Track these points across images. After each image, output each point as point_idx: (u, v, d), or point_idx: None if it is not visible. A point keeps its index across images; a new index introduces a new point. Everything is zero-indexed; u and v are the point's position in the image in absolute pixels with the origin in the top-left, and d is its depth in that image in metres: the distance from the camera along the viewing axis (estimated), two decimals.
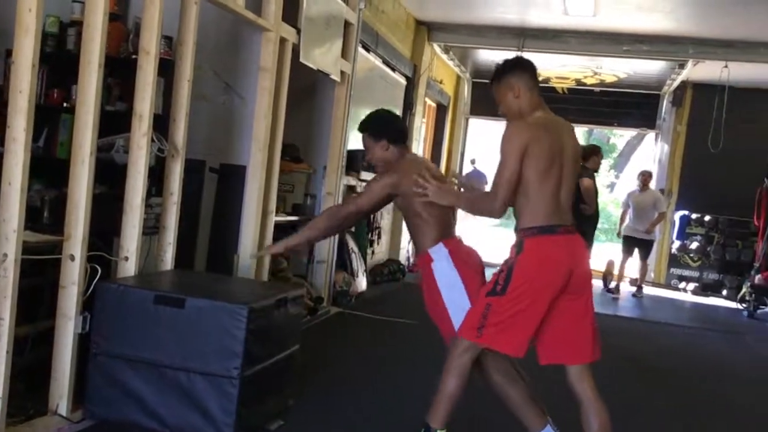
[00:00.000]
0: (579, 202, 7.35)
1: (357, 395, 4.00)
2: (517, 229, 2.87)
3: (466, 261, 3.11)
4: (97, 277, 3.15)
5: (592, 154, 7.72)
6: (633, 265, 9.63)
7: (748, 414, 4.64)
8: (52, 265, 3.15)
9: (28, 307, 3.14)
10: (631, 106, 11.79)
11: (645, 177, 9.62)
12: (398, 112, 8.51)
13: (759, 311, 8.85)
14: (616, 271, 9.55)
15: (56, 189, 3.62)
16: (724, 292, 10.43)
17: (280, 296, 3.39)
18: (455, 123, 12.13)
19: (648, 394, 4.72)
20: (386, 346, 5.37)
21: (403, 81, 8.96)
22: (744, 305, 9.13)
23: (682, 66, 9.60)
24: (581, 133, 20.82)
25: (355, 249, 7.24)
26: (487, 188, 3.08)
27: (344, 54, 6.03)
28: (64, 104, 4.25)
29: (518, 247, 2.82)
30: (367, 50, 7.29)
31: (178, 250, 3.73)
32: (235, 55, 4.69)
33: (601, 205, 8.32)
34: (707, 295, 10.55)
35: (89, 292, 3.15)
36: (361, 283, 7.21)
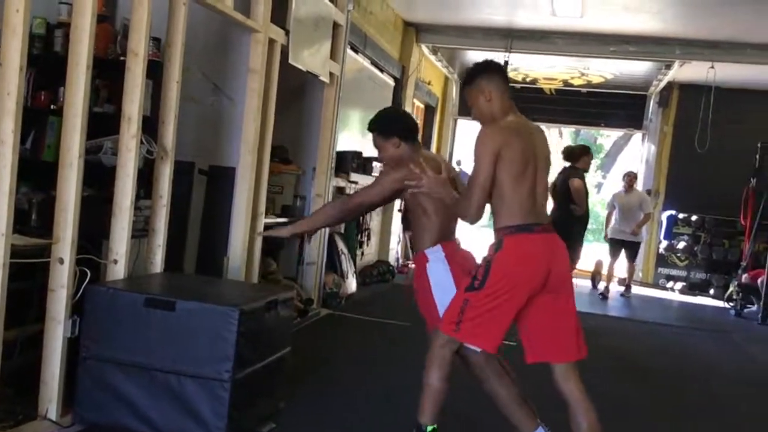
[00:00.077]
0: (569, 202, 7.40)
1: (348, 397, 4.00)
2: (495, 229, 2.88)
3: (462, 264, 3.12)
4: (87, 280, 3.12)
5: (583, 154, 7.75)
6: (621, 266, 9.66)
7: (735, 412, 4.67)
8: (40, 269, 3.12)
9: (17, 311, 3.10)
10: (617, 106, 11.85)
11: (630, 178, 9.60)
12: None
13: (746, 310, 8.91)
14: (604, 272, 9.56)
15: (43, 192, 3.58)
16: (712, 292, 10.50)
17: (271, 298, 3.38)
18: (443, 124, 12.16)
19: (636, 393, 4.73)
20: (376, 348, 5.37)
21: (391, 82, 8.97)
22: (731, 304, 9.21)
23: (668, 67, 9.66)
24: (568, 134, 20.94)
25: (345, 250, 7.23)
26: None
27: (333, 55, 6.03)
28: (52, 106, 4.21)
29: (497, 245, 2.84)
30: (356, 51, 7.29)
31: (167, 253, 3.71)
32: (223, 56, 4.68)
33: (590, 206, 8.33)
34: (695, 295, 10.62)
35: (78, 295, 3.12)
36: (351, 284, 7.20)
